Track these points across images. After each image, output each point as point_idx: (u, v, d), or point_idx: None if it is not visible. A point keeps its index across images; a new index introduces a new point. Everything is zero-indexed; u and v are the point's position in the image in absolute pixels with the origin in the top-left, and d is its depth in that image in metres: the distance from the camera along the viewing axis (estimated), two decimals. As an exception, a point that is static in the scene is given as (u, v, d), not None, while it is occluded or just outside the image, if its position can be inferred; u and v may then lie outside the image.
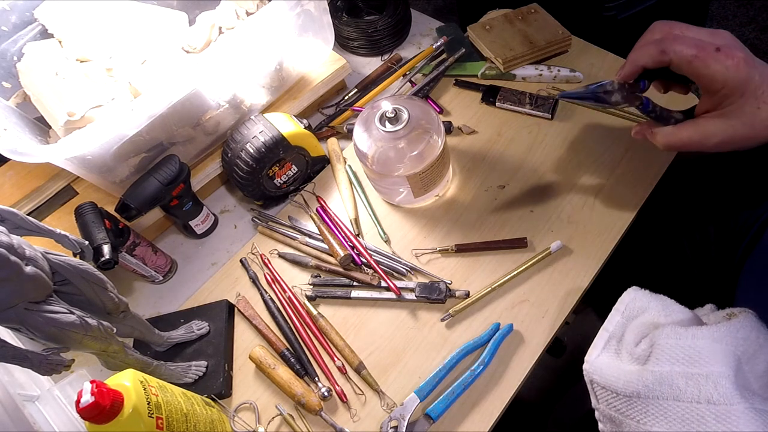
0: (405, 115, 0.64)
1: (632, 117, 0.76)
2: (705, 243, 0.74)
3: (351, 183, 0.80)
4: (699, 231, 0.75)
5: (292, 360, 0.67)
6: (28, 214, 0.54)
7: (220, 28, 0.81)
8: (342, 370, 0.66)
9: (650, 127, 0.58)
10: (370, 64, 0.95)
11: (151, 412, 0.48)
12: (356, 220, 0.76)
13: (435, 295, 0.67)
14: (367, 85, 0.91)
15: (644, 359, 0.50)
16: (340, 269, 0.72)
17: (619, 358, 0.53)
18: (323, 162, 0.82)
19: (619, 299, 0.56)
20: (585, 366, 0.54)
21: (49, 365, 0.49)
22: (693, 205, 0.77)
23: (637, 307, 0.55)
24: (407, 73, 0.90)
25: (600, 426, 0.53)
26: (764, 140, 0.51)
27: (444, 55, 0.89)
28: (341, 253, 0.71)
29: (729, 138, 0.52)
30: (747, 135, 0.51)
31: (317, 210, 0.78)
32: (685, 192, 0.80)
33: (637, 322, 0.54)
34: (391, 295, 0.69)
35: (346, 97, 0.90)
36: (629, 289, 0.56)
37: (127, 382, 0.48)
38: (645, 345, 0.51)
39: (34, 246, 0.49)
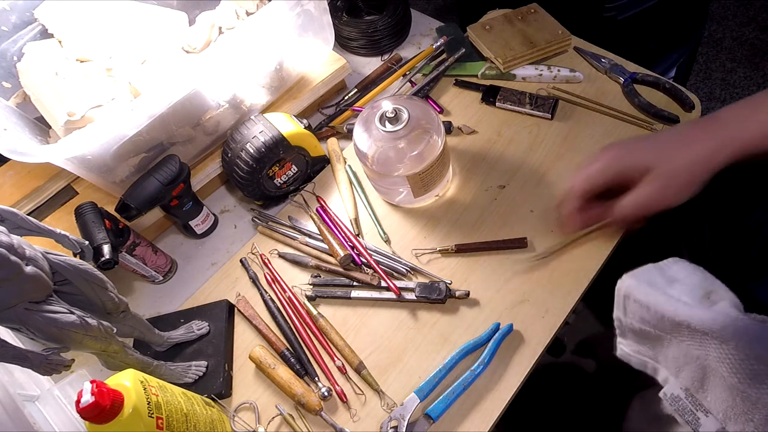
0: (405, 115, 0.64)
1: (632, 119, 0.76)
2: (701, 246, 0.74)
3: (351, 183, 0.80)
4: (696, 234, 0.75)
5: (292, 360, 0.67)
6: (28, 214, 0.54)
7: (220, 28, 0.81)
8: (342, 370, 0.66)
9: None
10: (370, 64, 0.95)
11: (151, 412, 0.48)
12: (356, 220, 0.77)
13: (435, 295, 0.67)
14: (367, 85, 0.91)
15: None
16: (340, 269, 0.72)
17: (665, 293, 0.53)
18: (323, 162, 0.82)
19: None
20: (625, 280, 0.54)
21: (49, 365, 0.49)
22: (691, 206, 0.77)
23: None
24: (407, 73, 0.90)
25: (619, 337, 0.55)
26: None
27: (444, 55, 0.89)
28: (341, 253, 0.71)
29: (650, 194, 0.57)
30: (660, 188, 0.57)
31: (317, 210, 0.78)
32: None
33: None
34: (391, 295, 0.69)
35: (346, 97, 0.90)
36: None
37: (127, 382, 0.48)
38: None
39: (34, 246, 0.49)
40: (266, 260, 0.76)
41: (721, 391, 0.46)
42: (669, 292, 0.53)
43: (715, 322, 0.47)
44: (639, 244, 0.75)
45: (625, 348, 0.56)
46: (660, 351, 0.53)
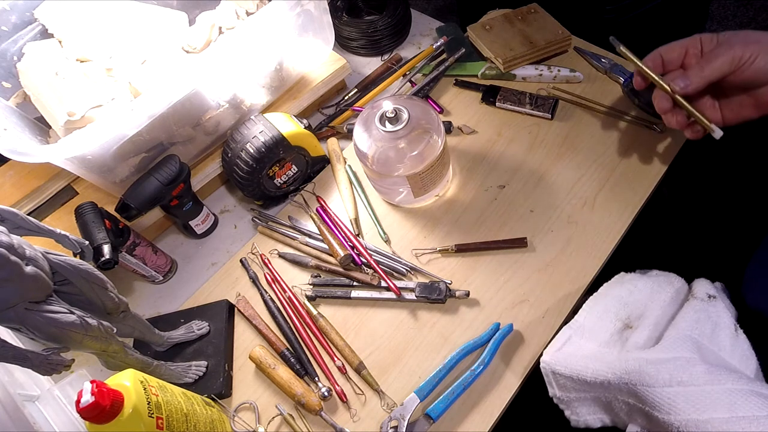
0: (405, 115, 0.64)
1: (632, 119, 0.76)
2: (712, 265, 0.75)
3: (351, 183, 0.80)
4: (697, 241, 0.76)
5: (292, 360, 0.67)
6: (28, 214, 0.54)
7: (220, 28, 0.81)
8: (342, 370, 0.66)
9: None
10: (370, 64, 0.95)
11: (151, 412, 0.48)
12: (356, 220, 0.76)
13: (435, 295, 0.67)
14: (367, 85, 0.91)
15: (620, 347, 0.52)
16: (340, 269, 0.72)
17: (583, 347, 0.55)
18: (323, 162, 0.82)
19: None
20: (544, 357, 0.57)
21: (49, 365, 0.49)
22: (690, 211, 0.78)
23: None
24: (407, 73, 0.90)
25: (566, 411, 0.57)
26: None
27: (444, 55, 0.89)
28: (341, 253, 0.71)
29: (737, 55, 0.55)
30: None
31: (317, 210, 0.78)
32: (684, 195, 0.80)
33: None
34: (391, 295, 0.69)
35: (346, 97, 0.90)
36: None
37: (127, 382, 0.48)
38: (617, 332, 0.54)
39: (34, 246, 0.49)
40: (266, 260, 0.76)
41: (656, 425, 0.47)
42: (584, 345, 0.55)
43: (615, 373, 0.49)
44: (640, 242, 0.75)
45: (577, 417, 0.56)
46: (606, 407, 0.54)
